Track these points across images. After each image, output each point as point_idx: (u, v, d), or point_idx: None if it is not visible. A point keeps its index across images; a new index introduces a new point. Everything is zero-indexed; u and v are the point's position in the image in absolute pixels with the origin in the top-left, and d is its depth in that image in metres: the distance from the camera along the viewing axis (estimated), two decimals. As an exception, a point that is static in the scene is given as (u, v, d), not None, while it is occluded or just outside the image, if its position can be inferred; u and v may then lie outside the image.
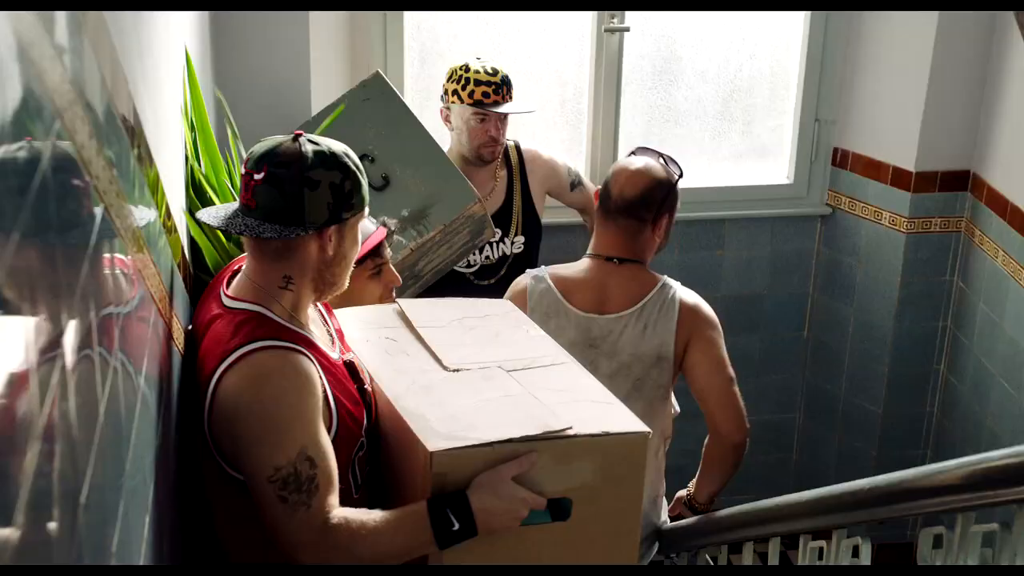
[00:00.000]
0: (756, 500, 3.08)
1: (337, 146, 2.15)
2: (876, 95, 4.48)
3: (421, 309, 2.54)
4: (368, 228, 2.78)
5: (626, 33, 4.32)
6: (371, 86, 3.57)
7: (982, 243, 4.37)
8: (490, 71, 3.76)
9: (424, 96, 4.31)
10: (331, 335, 2.35)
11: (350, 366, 2.29)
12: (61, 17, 1.26)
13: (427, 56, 4.29)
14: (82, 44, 1.38)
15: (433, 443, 2.00)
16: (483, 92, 3.74)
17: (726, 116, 4.64)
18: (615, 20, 4.30)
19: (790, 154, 4.69)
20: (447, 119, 3.86)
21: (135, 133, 1.83)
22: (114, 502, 1.47)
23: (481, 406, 2.13)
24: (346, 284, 2.26)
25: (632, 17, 4.32)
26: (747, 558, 3.27)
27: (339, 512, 2.05)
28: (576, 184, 4.09)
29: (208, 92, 3.32)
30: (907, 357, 4.72)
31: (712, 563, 3.45)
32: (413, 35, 4.23)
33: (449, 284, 3.71)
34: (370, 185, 3.29)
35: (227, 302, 2.19)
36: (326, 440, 2.08)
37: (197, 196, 2.75)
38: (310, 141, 2.13)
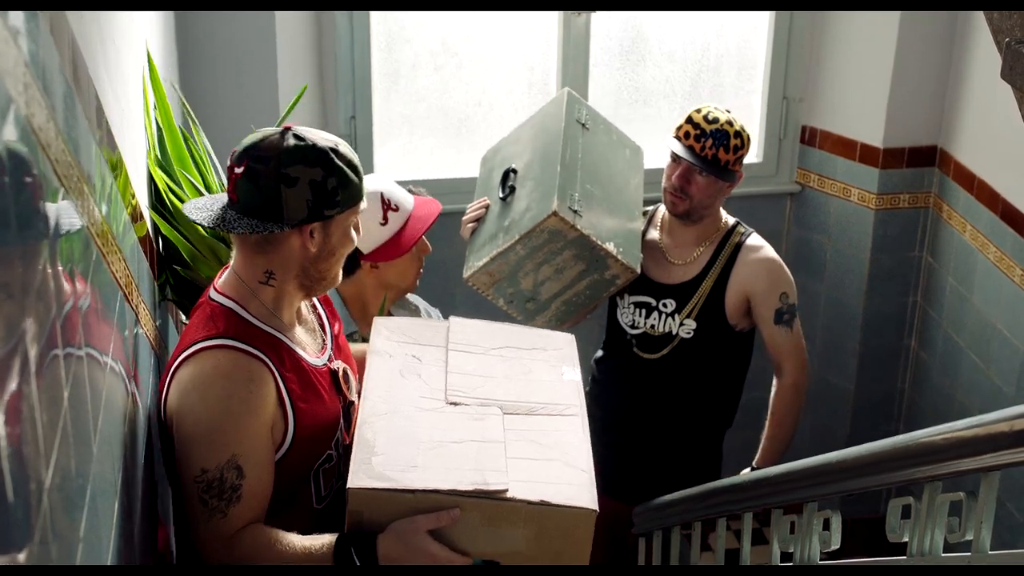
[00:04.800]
0: (731, 476, 3.09)
1: (325, 141, 2.07)
2: (843, 73, 4.50)
3: (469, 330, 2.44)
4: (406, 204, 2.81)
5: (593, 14, 4.32)
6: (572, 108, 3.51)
7: (950, 218, 4.39)
8: (711, 118, 3.34)
9: (391, 80, 4.31)
10: (324, 339, 2.31)
11: (336, 375, 2.26)
12: (15, -1, 1.25)
13: (393, 42, 4.28)
14: (38, 27, 1.37)
15: (355, 479, 1.92)
16: (685, 132, 3.36)
17: (694, 96, 4.64)
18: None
19: (759, 133, 4.71)
20: None
21: (97, 117, 1.82)
22: (81, 487, 1.47)
23: (440, 448, 2.02)
24: (338, 278, 2.21)
25: (598, -2, 4.31)
26: (721, 533, 3.28)
27: (254, 527, 2.04)
28: (784, 318, 3.48)
29: (171, 81, 3.31)
30: (878, 333, 4.75)
31: (687, 540, 3.47)
32: (379, 21, 4.22)
33: (613, 342, 3.64)
34: (500, 197, 3.29)
35: (212, 294, 2.18)
36: (263, 453, 2.06)
37: (157, 196, 2.69)
38: (296, 136, 2.06)
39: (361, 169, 2.13)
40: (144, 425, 2.16)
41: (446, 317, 2.66)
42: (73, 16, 1.68)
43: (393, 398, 2.16)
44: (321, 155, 2.04)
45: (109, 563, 1.59)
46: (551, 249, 3.25)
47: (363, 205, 2.16)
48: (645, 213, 3.61)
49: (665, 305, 3.52)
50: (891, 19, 4.26)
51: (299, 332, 2.23)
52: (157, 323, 2.47)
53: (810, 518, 2.67)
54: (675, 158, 3.38)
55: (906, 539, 2.33)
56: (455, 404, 2.14)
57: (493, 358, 2.31)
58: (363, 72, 4.20)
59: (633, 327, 3.58)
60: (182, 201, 2.54)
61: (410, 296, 3.12)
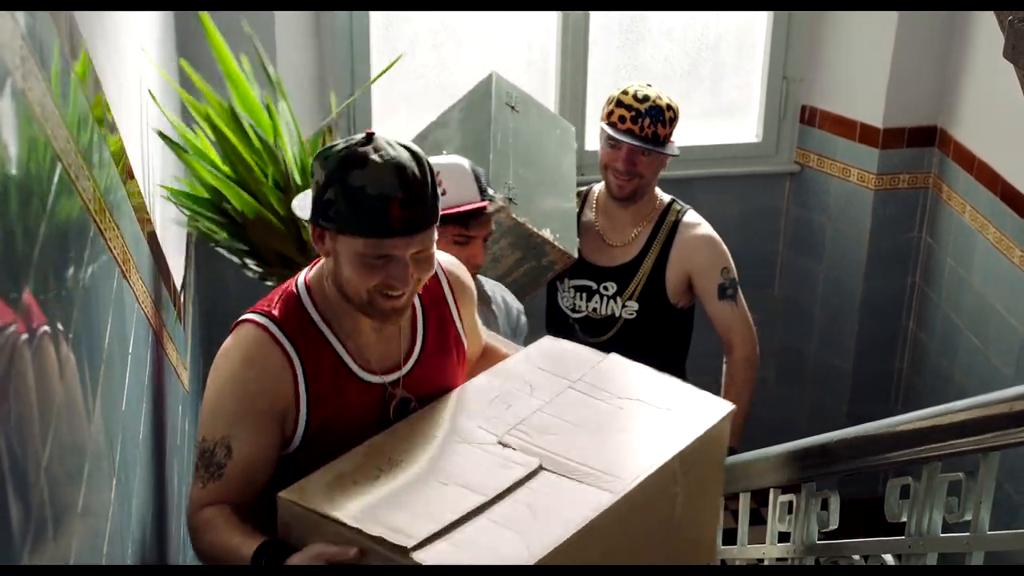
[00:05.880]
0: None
1: (351, 152, 1.90)
2: (843, 52, 4.48)
3: (617, 373, 2.25)
4: (465, 195, 2.73)
5: (592, -8, 4.30)
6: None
7: (950, 199, 4.38)
8: (640, 96, 3.32)
9: (390, 57, 4.27)
10: (407, 353, 2.14)
11: (387, 392, 2.10)
12: (12, -28, 1.23)
13: (392, 20, 4.26)
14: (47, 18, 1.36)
15: (291, 491, 1.85)
16: (620, 116, 3.33)
17: (694, 75, 4.62)
18: (581, -21, 4.27)
19: (758, 112, 4.69)
20: None
21: (95, 93, 1.81)
22: (79, 464, 1.47)
23: (421, 484, 1.89)
24: (356, 299, 1.99)
25: (598, -24, 4.29)
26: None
27: (217, 507, 1.97)
28: (728, 293, 3.49)
29: (169, 63, 3.29)
30: (876, 313, 4.74)
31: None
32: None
33: (555, 326, 3.58)
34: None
35: (301, 272, 2.14)
36: (259, 442, 1.99)
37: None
38: (353, 139, 1.94)
39: (381, 210, 1.88)
40: (150, 401, 2.15)
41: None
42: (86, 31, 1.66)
43: (450, 420, 2.06)
44: (335, 163, 1.90)
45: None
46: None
47: (360, 247, 1.92)
48: (578, 194, 3.60)
49: (606, 288, 3.51)
50: (892, -2, 4.24)
51: (365, 341, 2.08)
52: (153, 297, 2.46)
53: (808, 498, 2.68)
54: (614, 143, 3.35)
55: (905, 519, 2.33)
56: (503, 445, 1.98)
57: (604, 408, 2.12)
58: (362, 49, 4.18)
59: (575, 311, 3.57)
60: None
61: (487, 284, 3.00)
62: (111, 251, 1.83)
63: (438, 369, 2.18)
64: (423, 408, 2.11)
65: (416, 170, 1.91)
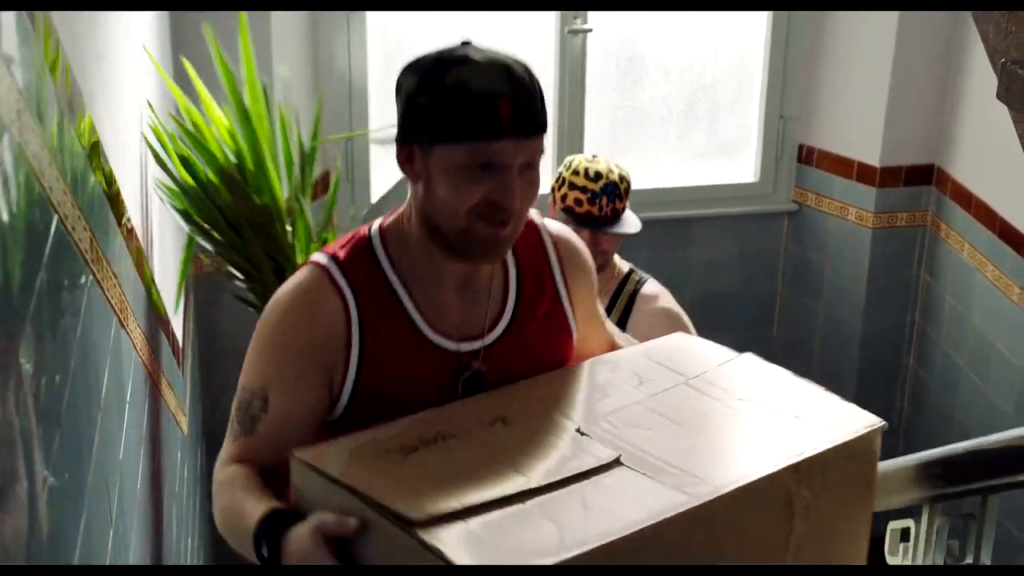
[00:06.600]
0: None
1: (447, 54, 1.70)
2: (840, 91, 4.50)
3: (745, 373, 1.95)
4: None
5: (589, 34, 4.32)
6: None
7: (948, 237, 4.39)
8: (592, 174, 3.06)
9: (389, 94, 4.28)
10: (493, 320, 1.84)
11: (462, 362, 1.81)
12: (10, 26, 1.24)
13: (391, 58, 4.27)
14: (31, 54, 1.36)
15: (306, 451, 1.62)
16: (575, 199, 3.05)
17: (691, 115, 4.65)
18: (578, 21, 4.30)
19: (756, 152, 4.71)
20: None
21: (92, 144, 1.82)
22: (75, 514, 1.46)
23: (468, 467, 1.60)
24: (451, 227, 1.70)
25: (595, 17, 4.32)
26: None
27: (242, 466, 1.74)
28: None
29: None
30: (876, 352, 4.74)
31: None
32: (377, 38, 4.20)
33: None
34: None
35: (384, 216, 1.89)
36: (300, 397, 1.74)
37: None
38: (453, 46, 1.73)
39: (488, 107, 1.63)
40: (138, 447, 2.15)
41: None
42: (67, 38, 1.67)
43: (525, 401, 1.79)
44: (430, 66, 1.69)
45: None
46: None
47: (462, 155, 1.64)
48: None
49: None
50: (887, 37, 4.26)
51: (446, 300, 1.80)
52: (151, 345, 2.46)
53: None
54: (576, 228, 2.96)
55: (905, 561, 2.32)
56: (582, 434, 1.69)
57: (717, 408, 1.82)
58: (360, 83, 4.19)
59: None
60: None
61: None
62: (108, 300, 1.83)
63: (528, 345, 1.86)
64: (502, 387, 1.81)
65: (524, 73, 1.70)
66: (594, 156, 3.17)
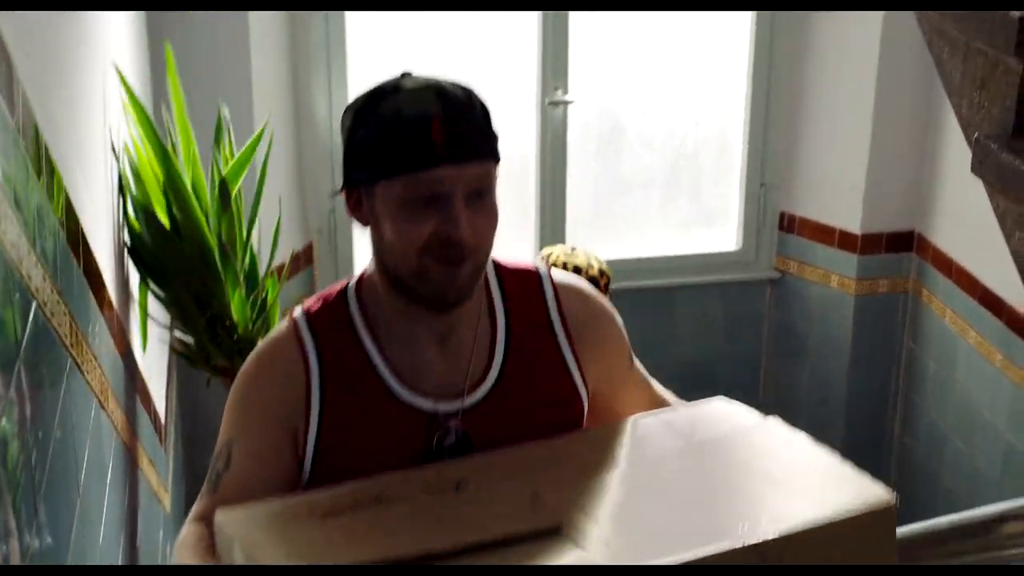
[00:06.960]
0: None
1: (381, 86, 1.58)
2: (820, 157, 4.54)
3: (771, 440, 1.81)
4: None
5: (570, 105, 4.35)
6: None
7: (930, 302, 4.40)
8: (571, 269, 3.02)
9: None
10: (478, 377, 1.69)
11: (437, 423, 1.65)
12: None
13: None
14: (10, 143, 1.37)
15: (227, 512, 1.53)
16: None
17: (673, 184, 4.67)
18: (559, 92, 4.33)
19: (737, 220, 4.73)
20: None
21: (70, 223, 1.82)
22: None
23: (382, 531, 1.49)
24: (404, 271, 1.58)
25: (576, 89, 4.34)
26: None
27: (200, 525, 1.62)
28: None
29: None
30: (861, 418, 4.73)
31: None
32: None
33: None
34: None
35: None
36: (259, 453, 1.64)
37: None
38: (390, 78, 1.61)
39: (419, 131, 1.51)
40: (119, 530, 2.13)
41: None
42: (43, 118, 1.68)
43: (505, 469, 1.62)
44: (364, 99, 1.57)
45: None
46: None
47: (399, 190, 1.53)
48: None
49: None
50: (866, 104, 4.30)
51: (423, 354, 1.67)
52: (132, 424, 2.45)
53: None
54: None
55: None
56: (535, 496, 1.54)
57: (704, 477, 1.64)
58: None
59: None
60: None
61: None
62: (88, 383, 1.82)
63: (517, 409, 1.69)
64: (484, 452, 1.65)
65: (460, 93, 1.56)
66: (573, 249, 3.10)
